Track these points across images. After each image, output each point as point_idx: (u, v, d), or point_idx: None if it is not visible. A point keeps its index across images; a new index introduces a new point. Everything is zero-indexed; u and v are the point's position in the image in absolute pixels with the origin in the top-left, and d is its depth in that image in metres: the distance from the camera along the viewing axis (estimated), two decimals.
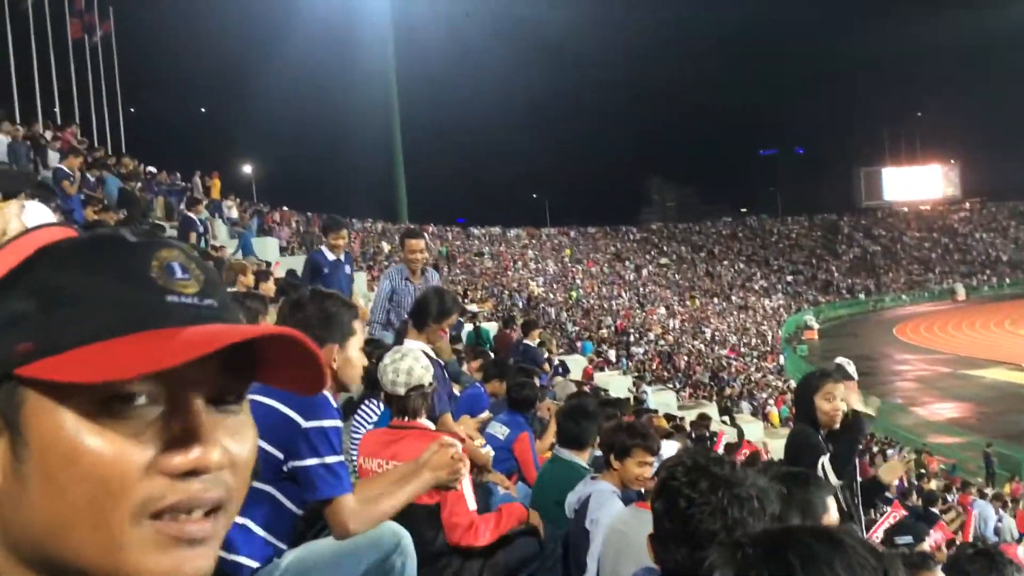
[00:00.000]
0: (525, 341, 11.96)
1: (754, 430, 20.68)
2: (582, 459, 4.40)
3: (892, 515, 6.50)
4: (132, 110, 35.87)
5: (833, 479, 3.87)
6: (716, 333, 45.83)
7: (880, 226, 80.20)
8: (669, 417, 13.13)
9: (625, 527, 3.12)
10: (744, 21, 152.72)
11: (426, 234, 43.04)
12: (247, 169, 52.20)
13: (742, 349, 43.49)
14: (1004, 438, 24.15)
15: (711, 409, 20.49)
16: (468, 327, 12.76)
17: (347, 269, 7.53)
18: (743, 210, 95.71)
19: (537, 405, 6.25)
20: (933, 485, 17.86)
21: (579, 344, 30.67)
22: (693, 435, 11.47)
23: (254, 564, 2.44)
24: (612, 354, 32.80)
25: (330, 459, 2.44)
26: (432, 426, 3.72)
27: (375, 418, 4.68)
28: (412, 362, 3.57)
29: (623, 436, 3.82)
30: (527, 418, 5.72)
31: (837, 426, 4.21)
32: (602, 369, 23.90)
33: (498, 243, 54.10)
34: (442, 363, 4.77)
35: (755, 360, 41.10)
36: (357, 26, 62.07)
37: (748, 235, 74.45)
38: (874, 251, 74.88)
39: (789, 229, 77.03)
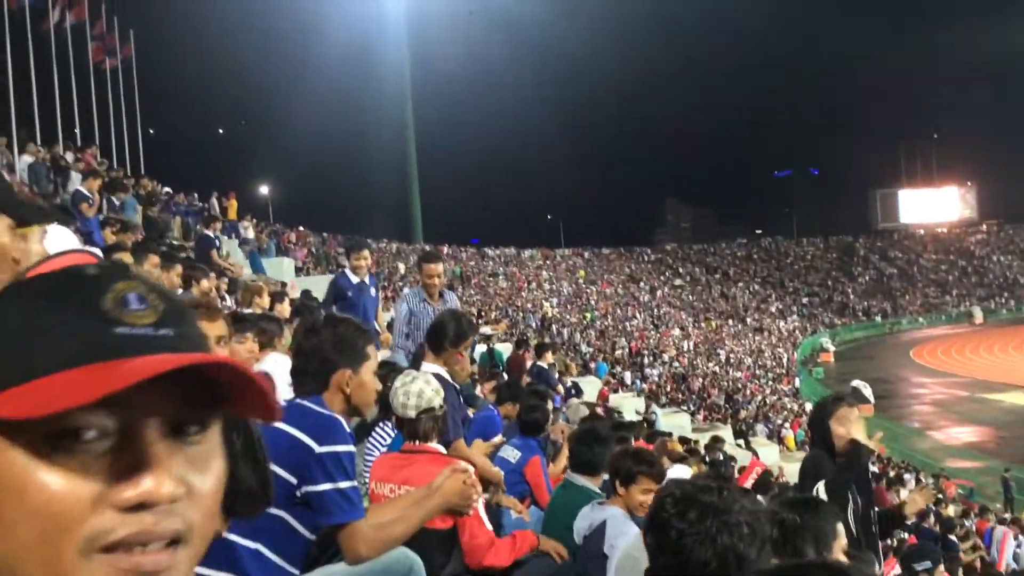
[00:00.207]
0: (539, 363, 11.97)
1: (769, 453, 20.51)
2: (595, 484, 4.37)
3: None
4: (151, 131, 36.31)
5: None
6: (731, 355, 45.59)
7: (896, 248, 79.85)
8: (683, 440, 13.07)
9: (639, 553, 3.11)
10: (760, 43, 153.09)
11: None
12: (264, 190, 52.73)
13: (757, 371, 43.23)
14: (1022, 463, 23.87)
15: (726, 432, 20.38)
16: (481, 348, 12.78)
17: (372, 292, 7.43)
18: (758, 231, 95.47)
19: (549, 428, 6.23)
20: (951, 511, 17.65)
21: (593, 365, 30.59)
22: (707, 459, 11.40)
23: None
24: (627, 376, 32.68)
25: (343, 484, 2.45)
26: (444, 450, 3.72)
27: (388, 441, 4.67)
28: (423, 385, 3.56)
29: (629, 462, 3.83)
30: (539, 441, 5.69)
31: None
32: (616, 391, 23.82)
33: (512, 264, 54.23)
34: (457, 387, 4.73)
35: (770, 383, 40.84)
36: (373, 48, 62.87)
37: (763, 257, 74.25)
38: (890, 273, 74.51)
39: (804, 251, 76.77)
